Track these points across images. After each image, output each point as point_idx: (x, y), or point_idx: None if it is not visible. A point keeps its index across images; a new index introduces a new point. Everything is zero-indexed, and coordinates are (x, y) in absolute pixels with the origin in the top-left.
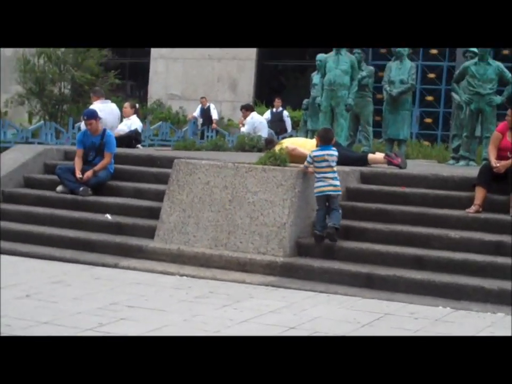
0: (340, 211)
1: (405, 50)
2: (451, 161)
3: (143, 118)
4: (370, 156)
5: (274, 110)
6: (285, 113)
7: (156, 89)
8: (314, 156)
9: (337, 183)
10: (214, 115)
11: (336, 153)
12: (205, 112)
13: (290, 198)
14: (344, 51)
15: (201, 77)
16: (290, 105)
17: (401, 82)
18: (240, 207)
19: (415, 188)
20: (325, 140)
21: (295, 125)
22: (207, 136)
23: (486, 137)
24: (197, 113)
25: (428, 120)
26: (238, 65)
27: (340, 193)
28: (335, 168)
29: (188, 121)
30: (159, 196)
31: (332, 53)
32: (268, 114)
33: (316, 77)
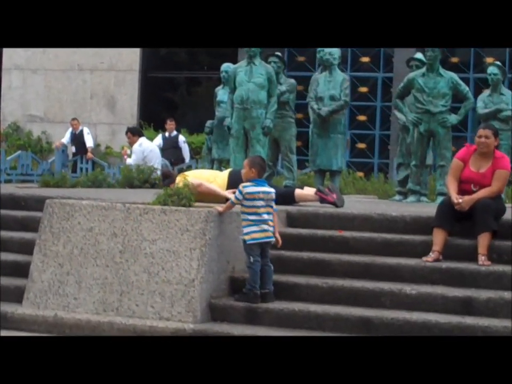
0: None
1: (335, 59)
2: (397, 197)
3: None
4: (297, 191)
5: (167, 134)
6: (181, 138)
7: (11, 109)
8: (247, 193)
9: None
10: (89, 142)
11: (274, 190)
12: (77, 138)
13: (199, 247)
14: (258, 60)
15: (69, 93)
16: (187, 128)
17: (332, 98)
18: (135, 260)
19: (356, 232)
20: (261, 172)
21: (193, 152)
22: (81, 169)
23: (440, 166)
24: (66, 139)
25: (361, 145)
26: (116, 77)
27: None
28: (272, 210)
29: (55, 149)
30: (27, 247)
31: (243, 63)
32: (159, 139)
33: (221, 92)
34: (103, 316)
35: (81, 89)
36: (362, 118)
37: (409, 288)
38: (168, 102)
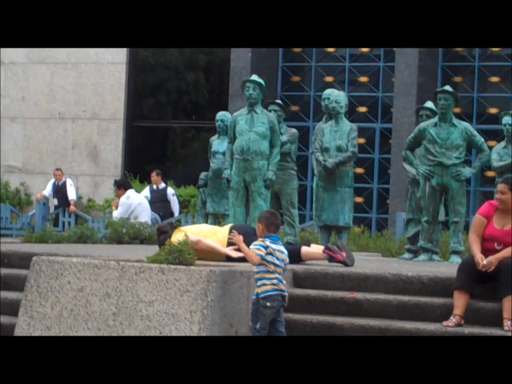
0: None
1: (342, 108)
2: (406, 255)
3: None
4: (304, 249)
5: (155, 186)
6: (170, 190)
7: None
8: (271, 248)
9: None
10: (71, 194)
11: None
12: (60, 190)
13: (200, 309)
14: (260, 108)
15: (50, 143)
16: (173, 181)
17: (338, 149)
18: (130, 323)
19: (370, 293)
20: (270, 227)
21: (182, 206)
22: (63, 223)
23: (454, 223)
24: (47, 191)
25: (358, 199)
26: (99, 127)
27: None
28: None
29: (36, 202)
30: (11, 308)
31: (243, 111)
32: (146, 192)
33: (216, 143)
34: None
35: (62, 138)
36: (359, 170)
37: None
38: (155, 152)
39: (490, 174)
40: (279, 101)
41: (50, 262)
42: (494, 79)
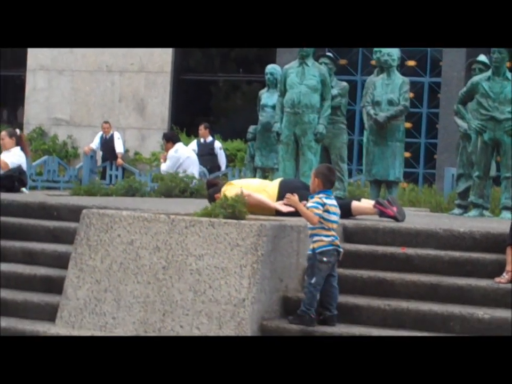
0: None
1: (394, 61)
2: (456, 211)
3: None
4: (354, 203)
5: (202, 140)
6: (217, 144)
7: (35, 112)
8: (327, 204)
9: None
10: (119, 147)
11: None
12: (107, 143)
13: (250, 263)
14: (311, 61)
15: (97, 96)
16: (220, 135)
17: (390, 103)
18: (179, 276)
19: (420, 249)
20: (326, 183)
21: (228, 160)
22: (110, 176)
23: (506, 178)
24: (95, 144)
25: (406, 154)
26: (146, 79)
27: None
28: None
29: (84, 154)
30: (60, 261)
31: (294, 63)
32: (193, 145)
33: (265, 96)
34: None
35: (110, 91)
36: (407, 125)
37: (482, 313)
38: (202, 106)
39: None
40: (330, 54)
41: (100, 215)
42: None
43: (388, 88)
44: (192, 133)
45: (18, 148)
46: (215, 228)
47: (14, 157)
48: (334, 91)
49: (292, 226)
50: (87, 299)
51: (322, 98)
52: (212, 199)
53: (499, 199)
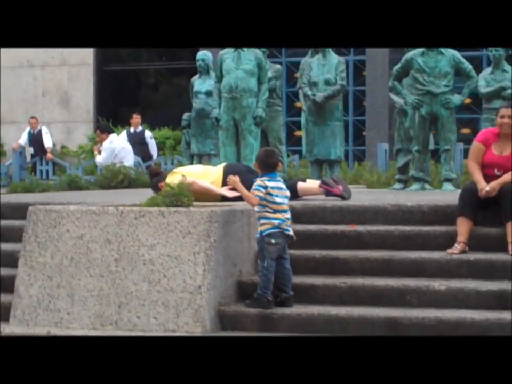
0: None
1: None
2: (397, 185)
3: None
4: (300, 184)
5: (132, 130)
6: (147, 133)
7: None
8: (269, 187)
9: None
10: (47, 142)
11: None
12: (35, 138)
13: (204, 250)
14: None
15: (19, 91)
16: (148, 123)
17: (327, 83)
18: (133, 268)
19: (370, 225)
20: (262, 166)
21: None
22: (41, 171)
23: (445, 151)
24: (23, 140)
25: None
26: (69, 72)
27: None
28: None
29: (13, 151)
30: (9, 260)
31: (229, 49)
32: (123, 135)
33: (198, 83)
34: (101, 330)
35: (32, 86)
36: None
37: (437, 284)
38: (127, 96)
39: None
40: None
41: (48, 211)
42: None
43: (324, 69)
44: (118, 123)
45: None
46: (165, 217)
47: None
48: (269, 74)
49: (242, 211)
50: (40, 296)
51: (260, 82)
52: (156, 188)
53: (438, 172)
